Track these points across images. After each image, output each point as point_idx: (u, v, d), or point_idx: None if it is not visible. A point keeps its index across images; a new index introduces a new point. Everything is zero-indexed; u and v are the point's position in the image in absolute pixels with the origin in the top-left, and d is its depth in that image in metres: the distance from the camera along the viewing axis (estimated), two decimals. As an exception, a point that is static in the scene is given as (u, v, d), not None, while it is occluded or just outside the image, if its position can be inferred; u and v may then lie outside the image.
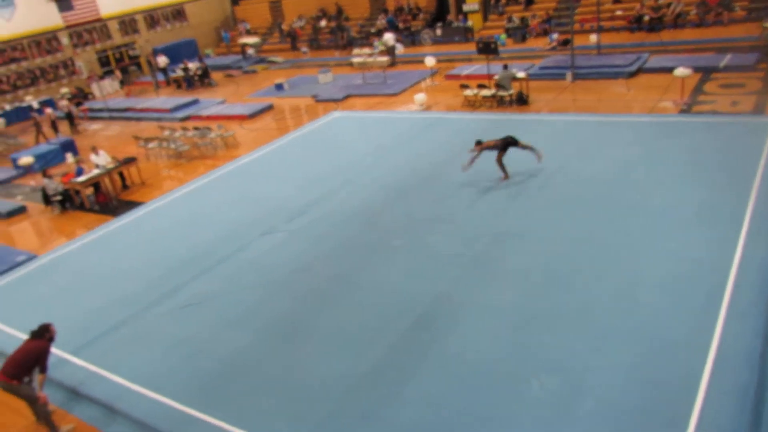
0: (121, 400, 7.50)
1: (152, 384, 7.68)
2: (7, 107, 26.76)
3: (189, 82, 27.18)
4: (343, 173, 13.75)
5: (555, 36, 22.79)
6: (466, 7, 27.59)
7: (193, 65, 27.71)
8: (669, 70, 16.13)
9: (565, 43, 21.18)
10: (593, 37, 20.32)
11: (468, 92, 17.51)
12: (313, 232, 11.18)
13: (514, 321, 7.71)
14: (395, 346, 7.66)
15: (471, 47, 23.40)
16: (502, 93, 16.90)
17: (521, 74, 17.27)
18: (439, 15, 28.67)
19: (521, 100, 16.76)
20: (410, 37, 27.87)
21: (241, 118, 20.60)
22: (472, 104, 17.49)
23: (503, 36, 24.57)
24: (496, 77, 17.17)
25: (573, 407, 6.22)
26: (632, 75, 17.64)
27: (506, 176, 11.94)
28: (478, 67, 20.78)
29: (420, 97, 18.32)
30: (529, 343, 7.25)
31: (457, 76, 20.56)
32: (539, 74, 19.02)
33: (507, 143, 11.79)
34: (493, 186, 11.73)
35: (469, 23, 26.83)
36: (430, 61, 20.80)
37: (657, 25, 22.04)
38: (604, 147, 12.75)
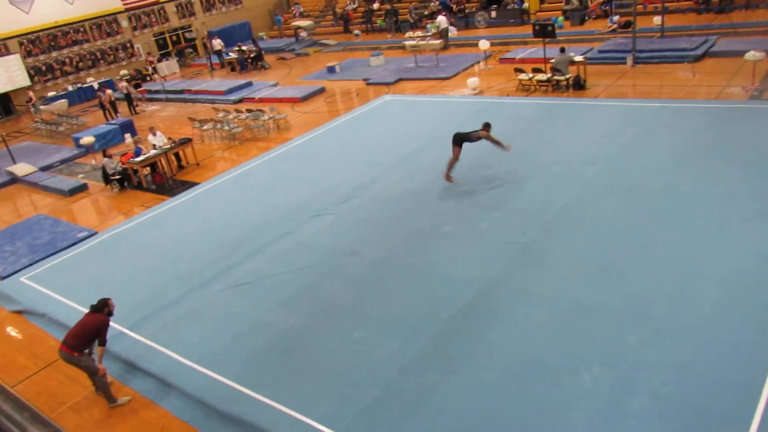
0: (174, 375, 7.72)
1: (204, 360, 7.87)
2: (70, 88, 27.78)
3: (242, 65, 27.54)
4: (393, 157, 13.69)
5: (615, 18, 21.99)
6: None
7: (246, 48, 28.05)
8: (739, 53, 15.32)
9: (627, 25, 20.43)
10: (657, 19, 19.52)
11: (522, 76, 17.13)
12: (362, 216, 11.19)
13: (566, 311, 7.53)
14: (444, 332, 7.61)
15: (527, 30, 22.89)
16: (558, 77, 16.45)
17: (579, 58, 16.76)
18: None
19: (578, 85, 16.29)
20: (464, 20, 27.41)
21: (293, 100, 20.76)
22: (526, 89, 17.10)
23: (561, 18, 23.87)
24: (553, 61, 16.71)
25: (626, 403, 6.04)
26: (698, 59, 16.87)
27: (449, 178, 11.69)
28: (533, 51, 20.30)
29: (473, 81, 18.02)
30: (581, 335, 7.08)
31: (511, 60, 20.13)
32: (598, 58, 18.42)
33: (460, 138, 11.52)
34: (547, 173, 11.45)
35: (525, 5, 26.18)
36: (483, 45, 20.43)
37: (727, 5, 20.97)
38: (665, 134, 12.26)
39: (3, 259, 12.14)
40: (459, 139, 11.59)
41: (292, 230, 11.07)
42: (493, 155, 12.76)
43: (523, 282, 8.29)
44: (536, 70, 16.98)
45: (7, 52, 26.34)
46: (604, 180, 10.79)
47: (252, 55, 27.60)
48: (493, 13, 26.52)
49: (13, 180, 17.55)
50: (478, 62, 21.26)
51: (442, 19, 24.60)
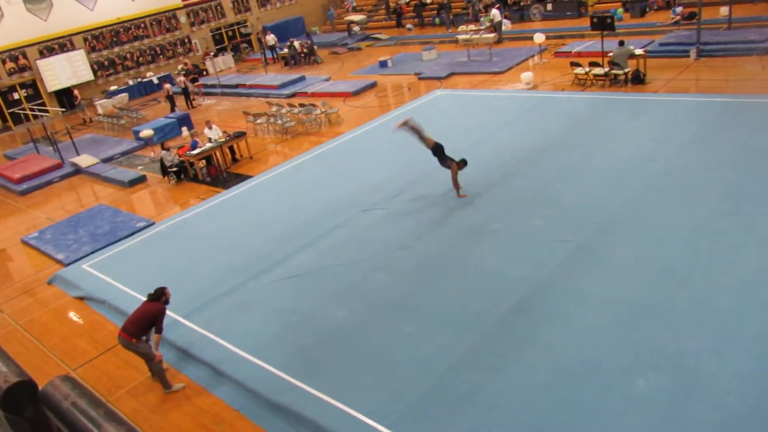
0: (226, 364, 7.88)
1: (255, 350, 8.00)
2: (131, 82, 28.71)
3: (295, 60, 27.81)
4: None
5: (679, 9, 21.15)
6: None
7: (299, 42, 28.34)
8: (812, 46, 14.52)
9: (690, 17, 19.63)
10: (723, 10, 18.68)
11: (579, 70, 16.69)
12: (413, 211, 11.15)
13: (622, 314, 7.30)
14: (494, 330, 7.50)
15: (584, 22, 22.30)
16: (616, 71, 15.97)
17: (639, 51, 16.21)
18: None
19: (637, 80, 15.76)
20: (518, 13, 26.93)
21: (345, 95, 20.86)
22: (582, 83, 16.67)
23: (620, 10, 23.14)
24: (611, 54, 16.22)
25: (683, 410, 5.82)
26: None
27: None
28: (590, 44, 19.76)
29: (527, 75, 17.69)
30: (637, 339, 6.85)
31: (567, 54, 19.66)
32: (659, 51, 17.78)
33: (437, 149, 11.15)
34: (604, 170, 11.13)
35: (582, -3, 25.49)
36: (539, 38, 20.02)
37: (799, -5, 19.89)
38: (730, 131, 11.73)
39: (66, 247, 12.67)
40: (440, 151, 11.20)
41: (343, 224, 11.13)
42: (547, 150, 12.51)
43: (578, 281, 8.09)
44: (593, 64, 16.52)
45: (73, 48, 27.43)
46: (664, 178, 10.40)
47: (304, 50, 27.86)
48: (549, 6, 25.95)
49: (77, 171, 18.29)
50: (533, 56, 20.85)
51: (495, 12, 24.24)
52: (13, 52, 25.76)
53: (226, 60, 31.28)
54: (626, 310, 7.35)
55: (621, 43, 16.10)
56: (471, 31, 24.07)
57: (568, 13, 25.30)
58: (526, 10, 26.79)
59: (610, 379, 6.36)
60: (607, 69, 16.16)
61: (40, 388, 0.85)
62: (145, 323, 7.34)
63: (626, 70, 15.86)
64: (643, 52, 16.28)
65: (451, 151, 13.52)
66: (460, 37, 23.80)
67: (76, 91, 25.97)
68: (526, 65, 20.11)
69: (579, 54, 19.04)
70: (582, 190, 10.57)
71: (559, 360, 6.77)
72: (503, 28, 24.49)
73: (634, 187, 10.32)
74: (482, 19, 25.33)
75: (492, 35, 23.01)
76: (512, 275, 8.53)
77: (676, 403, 5.91)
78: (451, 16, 29.04)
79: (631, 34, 19.84)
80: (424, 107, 17.75)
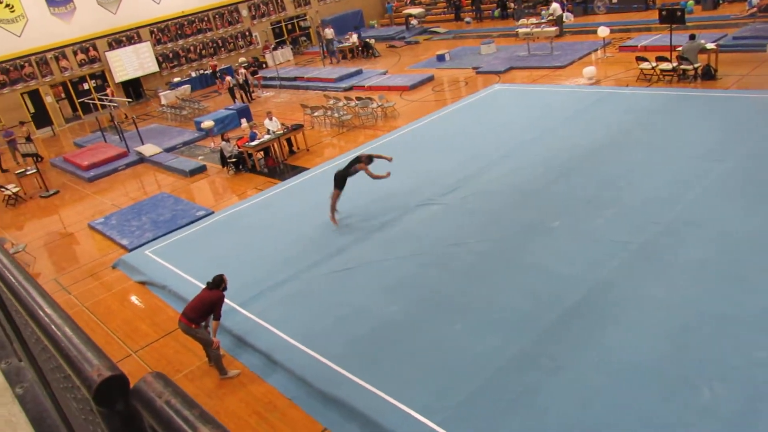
0: (280, 353, 8.00)
1: (308, 341, 8.09)
2: (193, 74, 29.48)
3: (332, 54, 27.84)
4: (501, 148, 13.37)
5: (755, 1, 20.10)
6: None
7: (354, 37, 28.46)
8: None
9: None
10: (803, 3, 17.64)
11: (645, 65, 16.11)
12: (468, 207, 11.03)
13: (685, 320, 7.02)
14: (548, 332, 7.34)
15: (651, 15, 21.47)
16: (685, 66, 15.32)
17: (710, 45, 15.49)
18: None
19: (708, 75, 15.08)
20: (582, 6, 26.19)
21: (402, 89, 20.80)
22: (648, 79, 16.08)
23: (691, 2, 22.18)
24: (680, 49, 15.57)
25: (750, 423, 5.55)
26: None
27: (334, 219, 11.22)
28: (657, 38, 19.03)
29: (589, 70, 17.20)
30: (701, 346, 6.57)
31: (632, 48, 18.99)
32: (732, 45, 16.96)
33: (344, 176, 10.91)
34: (670, 170, 10.72)
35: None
36: (603, 32, 19.43)
37: None
38: (809, 131, 11.09)
39: (130, 233, 13.13)
40: (341, 180, 11.02)
41: (397, 218, 11.12)
42: (609, 148, 12.14)
43: (639, 285, 7.82)
44: (660, 59, 15.91)
45: (139, 40, 28.36)
46: (734, 180, 9.93)
47: (359, 44, 27.95)
48: (614, -1, 25.12)
49: (141, 159, 18.92)
50: (596, 50, 20.26)
51: (556, 6, 23.66)
52: (84, 44, 26.84)
53: (285, 53, 31.70)
54: (690, 316, 7.06)
55: (692, 37, 15.42)
56: (532, 24, 23.58)
57: (635, 6, 24.43)
58: (590, 3, 26.03)
59: (672, 388, 6.12)
60: (675, 64, 15.53)
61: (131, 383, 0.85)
62: (205, 310, 7.52)
63: (696, 66, 15.20)
64: (715, 46, 15.55)
65: (509, 147, 13.34)
66: (521, 30, 23.34)
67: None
68: (588, 60, 19.56)
69: (645, 48, 18.37)
70: (645, 190, 10.21)
71: (617, 365, 6.57)
72: (565, 21, 23.89)
73: (701, 187, 9.89)
74: (543, 12, 24.77)
75: (553, 29, 22.45)
76: (569, 276, 8.33)
77: (743, 416, 5.64)
78: (521, 6, 28.30)
79: (703, 27, 18.99)
80: (482, 102, 17.52)
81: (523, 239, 9.58)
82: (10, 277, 1.14)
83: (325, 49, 29.54)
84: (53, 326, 0.93)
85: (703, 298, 7.31)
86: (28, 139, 21.05)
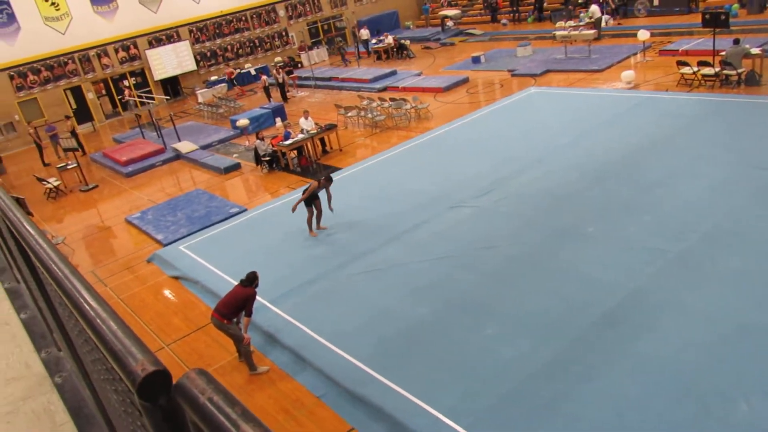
0: (309, 351, 8.05)
1: (337, 340, 8.12)
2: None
3: (366, 50, 27.89)
4: (536, 152, 13.22)
5: (802, 6, 19.51)
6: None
7: (392, 37, 28.49)
8: None
9: (816, 14, 18.04)
10: None
11: (686, 70, 15.74)
12: (501, 210, 10.94)
13: (724, 331, 6.83)
14: (580, 338, 7.23)
15: (694, 19, 21.04)
16: (728, 72, 14.93)
17: (756, 50, 15.07)
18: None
19: (752, 81, 14.67)
20: (622, 8, 25.75)
21: (436, 90, 20.74)
22: (688, 84, 15.72)
23: (735, 6, 21.61)
24: (724, 54, 15.18)
25: (791, 441, 5.37)
26: None
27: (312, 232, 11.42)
28: (700, 42, 18.60)
29: (628, 74, 16.89)
30: (741, 359, 6.38)
31: (673, 52, 18.60)
32: (778, 51, 16.44)
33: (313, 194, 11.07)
34: (710, 176, 10.45)
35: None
36: (643, 35, 19.06)
37: None
38: None
39: (165, 228, 13.38)
40: (311, 200, 11.18)
41: (428, 220, 11.08)
42: (647, 153, 11.90)
43: (676, 294, 7.64)
44: (702, 64, 15.53)
45: (178, 39, 28.88)
46: (778, 188, 9.64)
47: (394, 45, 27.99)
48: (656, 1, 24.63)
49: (177, 156, 19.26)
50: (635, 54, 19.88)
51: (595, 8, 23.31)
52: (125, 42, 27.46)
53: (321, 53, 31.91)
54: (729, 327, 6.87)
55: (736, 42, 15.03)
56: (569, 27, 23.28)
57: (677, 9, 23.89)
58: (630, 6, 25.57)
59: (708, 401, 5.96)
60: (718, 69, 15.15)
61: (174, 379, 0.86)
62: (237, 306, 7.61)
63: (740, 71, 14.80)
64: (760, 51, 15.12)
65: (543, 150, 13.19)
66: (558, 33, 23.08)
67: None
68: (627, 63, 19.21)
69: (687, 52, 17.97)
70: (684, 197, 9.98)
71: (652, 375, 6.43)
72: (603, 24, 23.52)
73: (742, 196, 9.63)
74: (581, 15, 24.43)
75: (591, 32, 22.15)
76: (603, 282, 8.19)
77: (782, 432, 5.47)
78: (569, 7, 27.87)
79: (748, 31, 18.49)
80: (517, 105, 17.36)
81: (556, 244, 9.46)
82: (58, 271, 1.16)
83: (365, 49, 29.71)
84: (98, 320, 0.94)
85: (742, 310, 7.11)
86: (73, 134, 21.63)
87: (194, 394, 0.77)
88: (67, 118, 23.62)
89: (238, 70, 29.76)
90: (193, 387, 0.78)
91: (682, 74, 15.87)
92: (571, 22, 24.02)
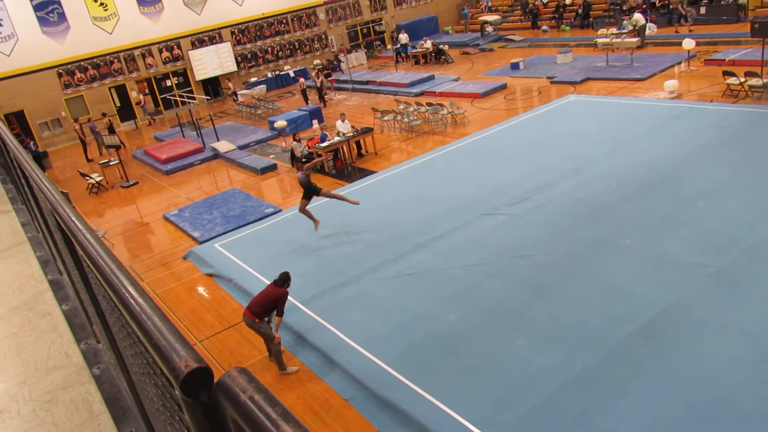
0: (339, 353, 8.08)
1: (367, 343, 8.14)
2: (269, 75, 30.29)
3: (404, 54, 27.89)
4: (573, 161, 13.04)
5: None
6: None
7: (429, 42, 28.49)
8: None
9: None
10: None
11: (732, 80, 15.34)
12: (535, 219, 10.81)
13: (764, 351, 6.62)
14: (614, 352, 7.09)
15: (742, 28, 20.51)
16: (776, 83, 14.50)
17: (806, 62, 14.60)
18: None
19: (801, 93, 14.21)
20: (666, 16, 25.25)
21: (474, 96, 20.65)
22: (735, 95, 15.30)
23: (785, 16, 20.98)
24: (772, 64, 14.75)
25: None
26: None
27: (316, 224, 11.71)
28: (748, 52, 18.11)
29: (671, 83, 16.54)
30: (783, 381, 6.18)
31: (719, 62, 18.14)
32: (830, 63, 15.90)
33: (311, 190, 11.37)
34: (754, 191, 10.15)
35: (743, 0, 23.38)
36: (688, 44, 18.64)
37: None
38: None
39: (201, 226, 13.61)
40: (307, 190, 11.53)
41: (462, 226, 11.03)
42: (688, 165, 11.63)
43: (715, 311, 7.44)
44: (750, 74, 15.11)
45: (220, 40, 29.40)
46: (827, 205, 9.30)
47: (432, 50, 27.98)
48: (703, 9, 24.08)
49: (215, 155, 19.59)
50: (679, 63, 19.46)
51: (639, 16, 22.90)
52: (169, 43, 28.08)
53: (359, 56, 32.09)
54: (771, 347, 6.66)
55: (785, 53, 14.59)
56: (612, 34, 22.91)
57: (724, 18, 23.31)
58: (675, 14, 25.05)
59: (746, 422, 5.79)
60: (766, 80, 14.71)
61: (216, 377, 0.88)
62: (269, 305, 7.70)
63: (789, 83, 14.36)
64: (810, 64, 14.66)
65: (581, 159, 13.00)
66: (600, 40, 22.74)
67: (230, 83, 27.35)
68: (670, 72, 18.82)
69: (734, 62, 17.51)
70: (726, 212, 9.71)
71: (687, 393, 6.27)
72: (647, 32, 23.08)
73: (789, 212, 9.32)
74: (624, 22, 24.03)
75: (634, 39, 21.76)
76: (639, 295, 8.02)
77: (825, 459, 5.27)
78: (617, 13, 27.47)
79: (798, 42, 17.92)
80: (555, 112, 17.16)
81: (591, 255, 9.30)
82: (105, 266, 1.20)
83: (403, 53, 29.78)
84: (144, 316, 0.97)
85: (785, 330, 6.88)
86: (111, 130, 22.20)
87: (235, 392, 0.79)
88: (104, 115, 24.20)
89: (276, 72, 30.16)
90: (234, 385, 0.80)
91: (728, 85, 15.47)
92: (614, 30, 23.64)
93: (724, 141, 12.53)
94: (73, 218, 1.56)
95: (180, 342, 0.92)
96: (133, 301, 1.02)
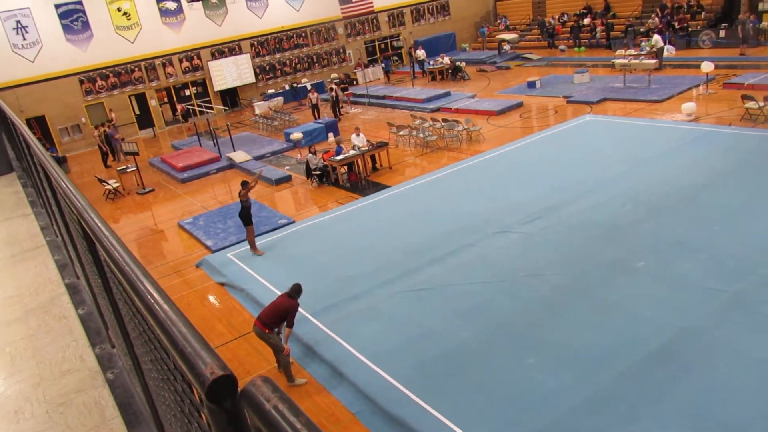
0: (347, 367, 8.06)
1: (377, 358, 8.11)
2: (286, 87, 30.56)
3: (421, 70, 28.01)
4: (588, 181, 13.00)
5: None
6: (762, 6, 23.99)
7: (446, 59, 28.63)
8: None
9: None
10: None
11: (751, 104, 15.26)
12: (548, 238, 10.77)
13: (781, 380, 6.52)
14: (626, 375, 7.02)
15: (762, 52, 20.41)
16: (795, 109, 14.39)
17: (826, 88, 14.50)
18: (726, 14, 25.41)
19: (821, 120, 14.09)
20: (685, 39, 25.20)
21: (489, 113, 20.69)
22: (753, 119, 15.21)
23: (806, 42, 20.88)
24: (791, 90, 14.65)
25: None
26: None
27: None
28: (767, 76, 17.99)
29: (688, 106, 16.48)
30: (798, 411, 6.08)
31: (738, 86, 18.04)
32: None
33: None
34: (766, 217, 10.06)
35: (763, 24, 23.31)
36: (707, 67, 18.57)
37: None
38: None
39: (215, 235, 13.69)
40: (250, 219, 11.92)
41: (475, 243, 11.01)
42: (705, 188, 11.54)
43: (731, 337, 7.34)
44: (769, 99, 15.02)
45: (240, 52, 29.74)
46: None
47: (449, 67, 28.13)
48: (722, 33, 24.02)
49: (231, 165, 19.74)
50: (698, 86, 19.38)
51: (658, 38, 22.89)
52: (189, 53, 28.46)
53: (376, 71, 32.29)
54: (786, 376, 6.55)
55: (805, 79, 14.49)
56: (630, 55, 22.90)
57: (744, 42, 23.21)
58: (694, 37, 25.01)
59: (760, 451, 5.69)
60: (784, 106, 14.63)
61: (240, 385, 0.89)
62: (280, 316, 7.72)
63: (808, 109, 14.26)
64: (831, 90, 14.55)
65: (596, 180, 12.95)
66: (617, 61, 22.74)
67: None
68: (688, 95, 18.75)
69: (753, 86, 17.41)
70: (743, 237, 9.61)
71: (700, 420, 6.18)
72: (665, 54, 23.05)
73: (807, 239, 9.21)
74: (643, 44, 24.01)
75: (653, 61, 21.73)
76: (652, 319, 7.94)
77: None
78: (631, 37, 27.58)
79: (818, 68, 17.82)
80: (571, 132, 17.14)
81: (604, 276, 9.24)
82: (130, 272, 1.23)
83: (420, 69, 29.96)
84: (169, 322, 0.99)
85: (801, 359, 6.78)
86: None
87: (260, 400, 0.80)
88: (102, 125, 23.53)
89: (294, 84, 30.43)
90: (258, 394, 0.81)
91: (747, 109, 15.39)
92: (632, 51, 23.62)
93: (741, 165, 12.44)
94: (98, 223, 1.59)
95: (206, 349, 0.94)
96: (158, 307, 1.04)
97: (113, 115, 25.21)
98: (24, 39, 24.54)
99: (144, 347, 1.51)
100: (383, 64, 32.58)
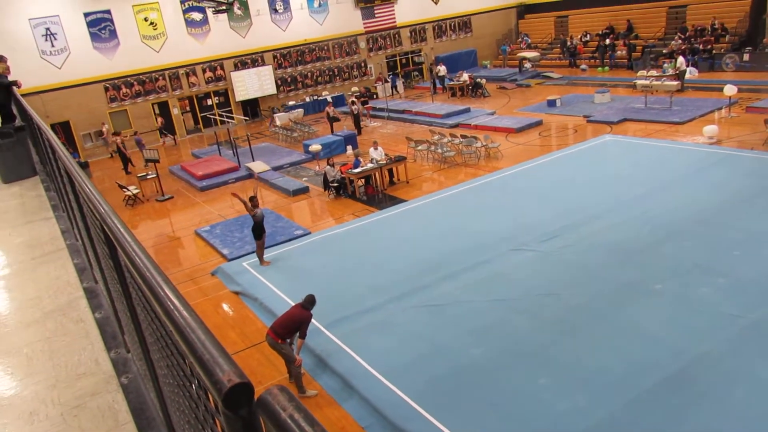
0: (359, 380, 8.03)
1: (388, 372, 8.08)
2: (307, 99, 30.84)
3: (441, 86, 28.02)
4: (607, 201, 12.90)
5: None
6: (786, 31, 23.82)
7: (466, 75, 28.71)
8: None
9: None
10: None
11: (774, 129, 15.09)
12: (564, 257, 10.69)
13: (800, 410, 6.38)
14: (640, 400, 6.91)
15: (785, 78, 20.17)
16: (820, 135, 14.20)
17: None
18: (750, 38, 25.22)
19: None
20: (709, 61, 25.04)
21: (508, 131, 20.67)
22: (776, 144, 15.03)
23: (832, 67, 20.64)
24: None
25: None
26: None
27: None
28: (791, 102, 17.80)
29: (710, 128, 16.33)
30: (817, 442, 5.94)
31: (762, 110, 17.87)
32: None
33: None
34: (793, 243, 9.90)
35: (787, 50, 23.11)
36: (730, 90, 18.42)
37: None
38: None
39: (232, 244, 13.79)
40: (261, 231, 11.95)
41: (490, 260, 10.96)
42: (726, 213, 11.40)
43: (749, 364, 7.21)
44: (792, 124, 14.84)
45: (262, 63, 30.09)
46: None
47: (469, 83, 28.21)
48: (746, 56, 23.83)
49: (250, 175, 19.89)
50: (720, 109, 19.22)
51: (681, 60, 22.77)
52: (212, 63, 28.86)
53: (397, 85, 32.46)
54: (806, 407, 6.42)
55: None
56: (652, 76, 22.78)
57: None
58: (718, 59, 24.84)
59: (777, 483, 5.56)
60: (809, 131, 14.44)
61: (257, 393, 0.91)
62: (292, 327, 7.73)
63: (833, 135, 14.06)
64: None
65: (615, 200, 12.85)
66: (639, 82, 22.63)
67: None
68: (710, 118, 18.59)
69: (776, 111, 17.23)
70: (763, 262, 9.47)
71: (716, 448, 6.06)
72: (688, 76, 22.91)
73: (829, 267, 9.05)
74: (665, 65, 23.90)
75: (675, 83, 21.59)
76: (669, 343, 7.83)
77: None
78: (650, 58, 27.54)
79: (844, 94, 17.59)
80: (590, 151, 17.06)
81: (621, 298, 9.14)
82: (151, 278, 1.25)
83: (440, 85, 30.06)
84: (189, 329, 1.01)
85: (822, 389, 6.63)
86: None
87: (276, 409, 0.81)
88: (118, 133, 23.69)
89: (315, 97, 30.69)
90: (274, 402, 0.82)
91: (770, 133, 15.22)
92: (654, 72, 23.52)
93: (763, 190, 12.28)
94: (121, 228, 1.62)
95: (223, 356, 0.95)
96: (178, 314, 1.06)
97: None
98: (52, 46, 25.07)
99: (160, 353, 1.53)
100: (403, 79, 32.73)
